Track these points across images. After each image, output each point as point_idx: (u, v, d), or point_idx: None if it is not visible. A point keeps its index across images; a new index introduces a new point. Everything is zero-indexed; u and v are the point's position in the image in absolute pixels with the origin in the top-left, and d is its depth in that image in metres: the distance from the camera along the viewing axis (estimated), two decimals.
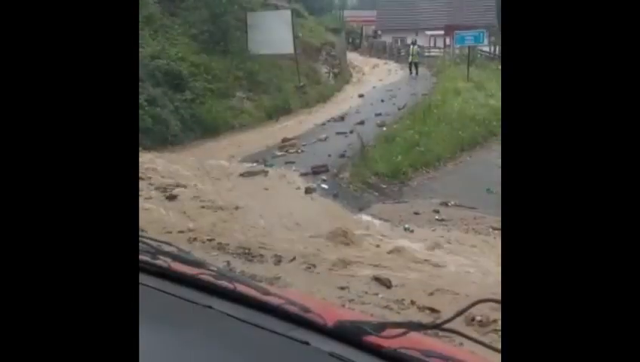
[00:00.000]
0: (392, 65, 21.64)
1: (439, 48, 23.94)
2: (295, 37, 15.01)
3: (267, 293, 0.89)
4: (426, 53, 23.26)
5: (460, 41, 16.02)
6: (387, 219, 5.87)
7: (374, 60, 23.19)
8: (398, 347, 0.75)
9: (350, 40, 28.64)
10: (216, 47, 12.40)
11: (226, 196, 6.07)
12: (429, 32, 25.97)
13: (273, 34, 13.39)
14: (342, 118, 11.76)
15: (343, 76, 18.06)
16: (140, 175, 6.58)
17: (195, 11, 12.97)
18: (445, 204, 6.66)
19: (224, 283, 0.92)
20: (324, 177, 7.25)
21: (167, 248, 1.01)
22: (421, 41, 25.78)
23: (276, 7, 15.86)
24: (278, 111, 12.31)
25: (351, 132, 9.70)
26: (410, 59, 19.06)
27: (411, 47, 19.38)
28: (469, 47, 16.20)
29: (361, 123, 10.94)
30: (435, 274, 4.32)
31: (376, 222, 5.81)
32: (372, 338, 0.77)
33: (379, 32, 29.04)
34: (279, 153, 8.68)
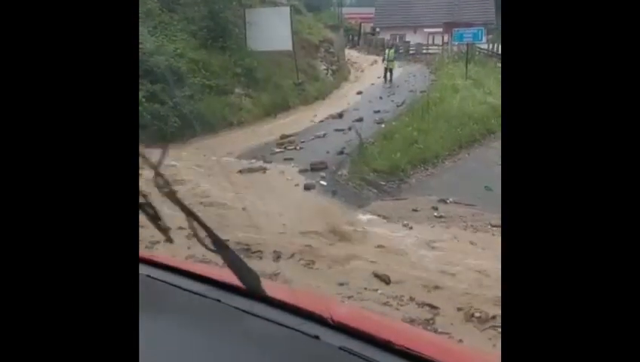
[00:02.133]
0: None
1: (437, 45, 23.91)
2: (294, 34, 15.00)
3: (276, 289, 0.90)
4: (424, 51, 23.27)
5: (459, 38, 16.02)
6: (386, 216, 5.88)
7: (373, 57, 23.15)
8: (407, 341, 0.76)
9: (349, 37, 28.61)
10: (214, 43, 12.37)
11: (224, 192, 6.07)
12: (427, 30, 25.96)
13: (272, 31, 13.38)
14: (340, 115, 11.75)
15: (341, 73, 18.04)
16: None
17: (194, 7, 12.94)
18: (444, 201, 6.67)
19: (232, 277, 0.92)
20: (322, 174, 7.26)
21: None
22: (420, 38, 25.87)
23: (275, 4, 15.82)
24: (276, 108, 12.30)
25: (349, 129, 9.71)
26: (385, 65, 16.52)
27: (387, 50, 16.72)
28: (467, 44, 16.20)
29: (360, 120, 10.95)
30: (434, 271, 4.33)
31: (375, 218, 5.82)
32: (380, 333, 0.78)
33: (377, 30, 29.00)
34: (277, 150, 8.69)
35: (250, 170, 7.28)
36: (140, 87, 8.92)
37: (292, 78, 13.99)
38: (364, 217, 5.86)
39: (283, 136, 9.50)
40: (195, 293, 0.90)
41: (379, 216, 5.92)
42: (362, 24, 30.41)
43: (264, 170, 7.40)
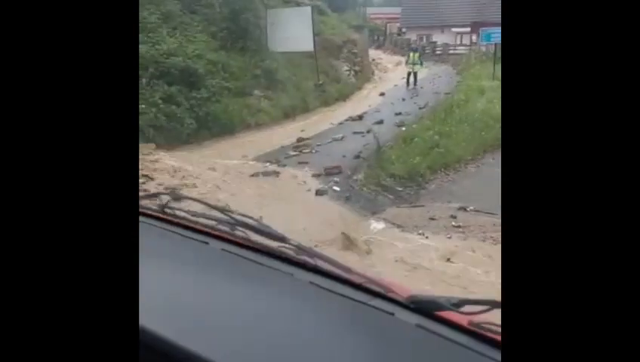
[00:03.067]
0: None
1: (465, 46, 23.29)
2: (316, 34, 14.80)
3: (348, 270, 0.92)
4: (451, 51, 22.72)
5: (486, 38, 15.48)
6: (400, 225, 5.58)
7: (398, 58, 22.72)
8: (480, 322, 0.76)
9: (376, 37, 28.28)
10: (235, 44, 12.28)
11: (233, 198, 5.90)
12: (455, 29, 25.36)
13: (293, 31, 13.22)
14: (360, 117, 11.48)
15: (364, 74, 17.74)
16: (149, 174, 6.49)
17: (216, 9, 12.89)
18: (463, 209, 6.33)
19: (305, 257, 0.95)
20: (336, 179, 7.00)
21: (247, 221, 1.04)
22: (447, 38, 25.30)
23: (297, 5, 15.66)
24: (295, 110, 12.11)
25: (368, 132, 9.42)
26: (408, 69, 15.78)
27: (410, 54, 15.92)
28: (495, 44, 15.67)
29: (380, 122, 10.66)
30: (449, 285, 4.04)
31: (389, 227, 5.53)
32: (450, 314, 0.79)
33: (403, 30, 28.54)
34: (293, 153, 8.47)
35: (263, 174, 7.10)
36: (157, 88, 8.89)
37: (313, 79, 13.78)
38: (377, 225, 5.58)
39: (299, 139, 9.29)
40: (269, 267, 0.93)
41: (393, 224, 5.63)
42: (388, 24, 30.02)
43: (277, 174, 7.20)
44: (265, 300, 0.82)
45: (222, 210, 1.06)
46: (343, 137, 9.53)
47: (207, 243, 0.99)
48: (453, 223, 5.66)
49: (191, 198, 1.18)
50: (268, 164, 7.74)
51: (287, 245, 0.97)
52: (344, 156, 8.13)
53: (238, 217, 1.02)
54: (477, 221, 5.82)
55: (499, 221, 5.90)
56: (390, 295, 0.84)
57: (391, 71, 19.86)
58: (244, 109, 10.85)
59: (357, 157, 8.09)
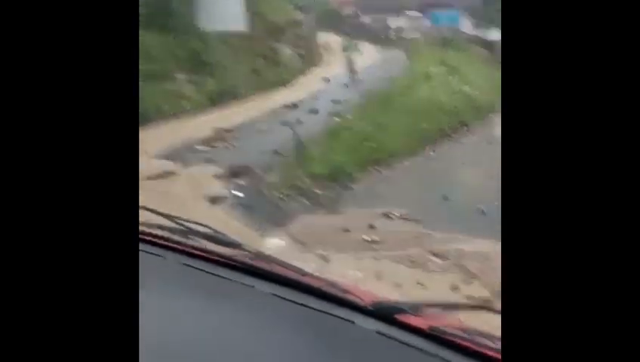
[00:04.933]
0: (368, 46, 20.19)
1: (419, 29, 22.47)
2: (255, 13, 13.55)
3: (305, 274, 0.96)
4: (405, 35, 21.89)
5: (435, 20, 14.65)
6: (304, 242, 4.59)
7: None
8: (440, 326, 0.80)
9: (330, 20, 27.21)
10: (153, 22, 10.89)
11: None
12: (409, 12, 24.51)
13: (223, 9, 11.92)
14: (295, 105, 10.41)
15: (310, 58, 16.60)
16: None
17: None
18: (387, 216, 5.42)
19: (261, 263, 0.98)
20: (242, 181, 5.93)
21: (201, 229, 1.03)
22: (403, 21, 24.45)
23: None
24: (224, 96, 10.90)
25: (298, 122, 8.38)
26: (345, 56, 14.47)
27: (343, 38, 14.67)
28: (445, 27, 14.87)
29: (315, 112, 9.65)
30: None
31: (287, 245, 4.53)
32: (410, 318, 0.83)
33: (358, 12, 27.51)
34: (202, 148, 7.33)
35: (152, 177, 5.93)
36: None
37: (248, 62, 12.57)
38: (272, 244, 4.56)
39: (216, 131, 8.14)
40: (225, 278, 0.95)
41: (295, 240, 4.64)
42: (344, 6, 28.88)
43: (173, 175, 6.06)
44: (224, 318, 0.84)
45: (173, 218, 1.02)
46: (267, 129, 8.45)
47: (163, 257, 0.98)
48: (366, 238, 4.70)
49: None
50: (168, 162, 6.58)
51: (243, 252, 0.98)
52: (262, 152, 7.06)
53: (190, 225, 1.01)
54: (397, 233, 4.90)
55: (424, 231, 5.03)
56: (350, 298, 0.86)
57: (340, 55, 18.80)
58: (160, 95, 9.56)
59: (276, 153, 7.04)
